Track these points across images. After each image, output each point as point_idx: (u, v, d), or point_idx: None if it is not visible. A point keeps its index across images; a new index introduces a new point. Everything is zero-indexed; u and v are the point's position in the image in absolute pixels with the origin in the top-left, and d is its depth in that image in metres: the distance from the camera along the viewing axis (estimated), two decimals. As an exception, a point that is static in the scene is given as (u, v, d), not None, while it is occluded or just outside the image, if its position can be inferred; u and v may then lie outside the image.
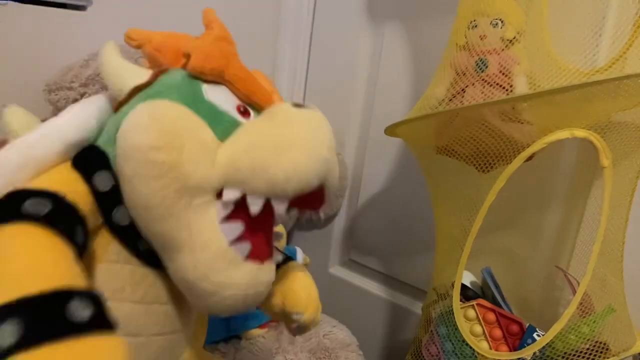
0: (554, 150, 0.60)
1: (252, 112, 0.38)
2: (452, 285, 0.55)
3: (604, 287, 0.53)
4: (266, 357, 0.62)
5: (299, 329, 0.46)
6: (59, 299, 0.24)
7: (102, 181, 0.33)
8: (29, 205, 0.28)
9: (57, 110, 0.55)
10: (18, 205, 0.28)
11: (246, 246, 0.34)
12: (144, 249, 0.35)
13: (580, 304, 0.50)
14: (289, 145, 0.32)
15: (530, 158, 0.50)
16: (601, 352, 0.50)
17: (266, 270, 0.36)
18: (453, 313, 0.54)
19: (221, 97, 0.37)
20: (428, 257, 0.80)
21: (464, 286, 0.59)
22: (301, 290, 0.44)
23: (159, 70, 0.37)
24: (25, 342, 0.22)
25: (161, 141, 0.31)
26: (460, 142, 0.54)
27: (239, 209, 0.33)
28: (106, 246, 0.35)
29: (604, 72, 0.52)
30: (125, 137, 0.32)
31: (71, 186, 0.32)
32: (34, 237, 0.27)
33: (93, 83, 0.56)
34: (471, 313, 0.55)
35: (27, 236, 0.27)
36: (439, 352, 0.56)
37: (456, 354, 0.54)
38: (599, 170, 0.56)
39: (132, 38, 0.40)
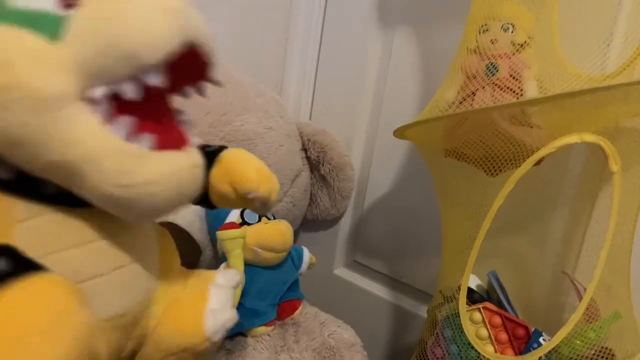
0: (563, 155, 0.60)
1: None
2: (459, 288, 0.55)
3: (610, 293, 0.53)
4: (271, 355, 0.62)
5: (263, 206, 0.44)
6: None
7: None
8: None
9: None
10: None
11: (147, 137, 0.32)
12: (53, 193, 0.32)
13: (587, 309, 0.50)
14: (130, 9, 0.29)
15: (539, 162, 0.50)
16: (606, 358, 0.50)
17: (186, 155, 0.34)
18: (459, 316, 0.54)
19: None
20: (433, 260, 0.80)
21: (470, 289, 0.59)
22: (247, 168, 0.43)
23: None
24: None
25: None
26: (469, 145, 0.54)
27: (119, 103, 0.31)
28: (9, 209, 0.32)
29: (614, 78, 0.52)
30: None
31: None
32: None
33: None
34: (477, 316, 0.55)
35: None
36: (444, 355, 0.56)
37: (461, 357, 0.54)
38: (606, 176, 0.56)
39: None
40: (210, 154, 0.44)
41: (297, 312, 0.71)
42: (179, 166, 0.32)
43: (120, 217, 0.34)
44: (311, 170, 0.90)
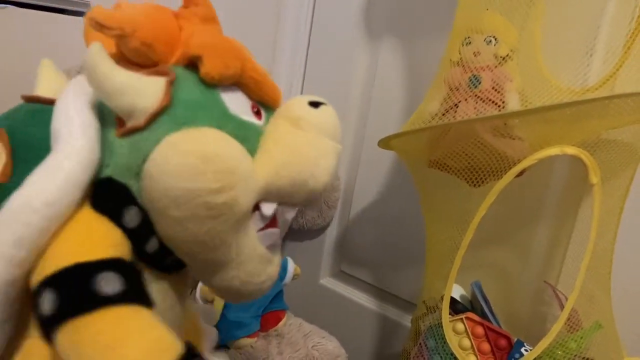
0: (544, 167, 0.61)
1: (262, 111, 0.36)
2: (442, 298, 0.55)
3: (591, 303, 0.54)
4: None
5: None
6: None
7: (131, 218, 0.31)
8: (104, 285, 0.27)
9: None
10: (90, 286, 0.26)
11: (277, 244, 0.37)
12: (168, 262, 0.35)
13: (568, 319, 0.50)
14: (321, 154, 0.34)
15: (521, 174, 0.50)
16: (588, 369, 0.50)
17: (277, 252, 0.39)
18: (442, 326, 0.54)
19: (239, 104, 0.34)
20: (418, 270, 0.80)
21: (453, 299, 0.60)
22: None
23: (170, 82, 0.32)
24: None
25: (219, 183, 0.29)
26: (452, 157, 0.55)
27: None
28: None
29: (594, 91, 0.53)
30: (172, 180, 0.29)
31: (112, 238, 0.30)
32: (131, 319, 0.27)
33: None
34: (460, 326, 0.55)
35: (124, 320, 0.27)
36: (427, 365, 0.56)
37: (444, 367, 0.54)
38: (588, 188, 0.57)
39: (108, 26, 0.30)
40: None
41: (281, 323, 0.71)
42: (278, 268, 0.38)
43: (222, 297, 0.40)
44: (297, 180, 0.89)
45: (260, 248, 0.34)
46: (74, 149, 0.30)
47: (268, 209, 0.34)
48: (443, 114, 0.54)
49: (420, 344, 0.58)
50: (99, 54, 0.29)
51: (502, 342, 0.54)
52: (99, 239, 0.29)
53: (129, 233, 0.31)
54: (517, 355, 0.52)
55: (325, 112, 0.36)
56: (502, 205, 0.51)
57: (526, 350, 0.52)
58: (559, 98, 0.47)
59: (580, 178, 0.60)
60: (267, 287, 0.36)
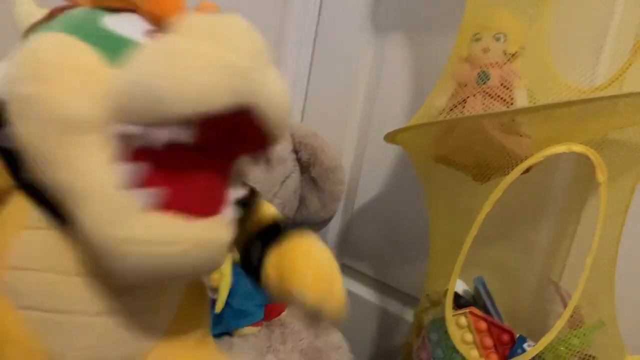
0: (551, 165, 0.61)
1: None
2: (445, 292, 0.56)
3: (594, 301, 0.54)
4: (257, 355, 0.62)
5: (310, 317, 0.36)
6: None
7: (7, 137, 0.29)
8: None
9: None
10: None
11: (152, 193, 0.28)
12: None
13: (571, 316, 0.50)
14: (183, 57, 0.26)
15: (527, 171, 0.51)
16: (589, 365, 0.51)
17: (202, 228, 0.29)
18: (445, 320, 0.54)
19: (124, 23, 0.31)
20: (421, 264, 0.81)
21: (456, 294, 0.60)
22: (304, 263, 0.36)
23: (60, 7, 0.33)
24: None
25: (26, 72, 0.28)
26: (458, 152, 0.55)
27: (143, 151, 0.28)
28: (24, 211, 0.31)
29: (602, 90, 0.53)
30: (9, 74, 0.29)
31: None
32: None
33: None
34: (463, 321, 0.56)
35: None
36: (429, 359, 0.57)
37: (446, 361, 0.54)
38: (593, 187, 0.57)
39: None
40: (274, 233, 0.38)
41: (285, 313, 0.71)
42: (183, 239, 0.28)
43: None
44: (301, 173, 0.90)
45: (109, 182, 0.27)
46: None
47: (117, 128, 0.28)
48: (451, 110, 0.54)
49: (423, 337, 0.59)
50: None
51: (505, 337, 0.54)
52: None
53: (6, 154, 0.30)
54: (519, 351, 0.52)
55: (217, 17, 0.28)
56: (506, 202, 0.51)
57: (529, 346, 0.52)
58: (567, 96, 0.47)
59: (585, 177, 0.60)
60: (145, 260, 0.28)
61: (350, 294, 0.91)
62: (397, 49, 0.82)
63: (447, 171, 0.58)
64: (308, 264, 0.36)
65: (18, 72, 0.28)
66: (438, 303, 0.58)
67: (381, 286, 0.91)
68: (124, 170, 0.27)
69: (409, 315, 0.83)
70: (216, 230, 0.30)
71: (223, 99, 0.26)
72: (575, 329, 0.52)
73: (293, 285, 0.35)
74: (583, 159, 0.50)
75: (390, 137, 0.62)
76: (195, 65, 0.26)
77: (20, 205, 0.31)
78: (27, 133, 0.28)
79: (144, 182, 0.28)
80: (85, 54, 0.28)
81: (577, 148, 0.48)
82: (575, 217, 0.61)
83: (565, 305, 0.54)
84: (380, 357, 0.90)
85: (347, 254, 0.97)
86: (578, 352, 0.51)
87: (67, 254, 0.31)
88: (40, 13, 0.34)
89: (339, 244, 0.97)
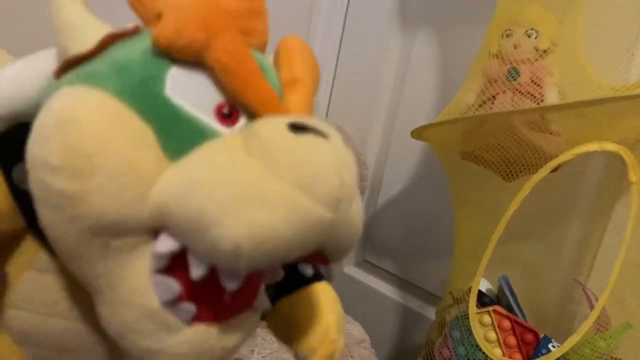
0: (580, 164, 0.60)
1: (242, 118, 0.26)
2: (469, 290, 0.55)
3: (622, 303, 0.53)
4: (281, 345, 0.62)
5: None
6: None
7: (24, 175, 0.24)
8: None
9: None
10: None
11: (188, 309, 0.24)
12: None
13: (598, 318, 0.50)
14: (252, 194, 0.21)
15: (556, 169, 0.50)
16: (615, 368, 0.50)
17: (223, 332, 0.26)
18: (468, 318, 0.54)
19: (192, 91, 0.25)
20: (443, 262, 0.80)
21: (480, 292, 0.60)
22: (311, 325, 0.34)
23: (114, 35, 0.26)
24: None
25: (63, 161, 0.21)
26: (486, 149, 0.55)
27: (178, 264, 0.23)
28: (34, 253, 0.29)
29: (636, 89, 0.52)
30: (31, 140, 0.23)
31: None
32: None
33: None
34: (486, 319, 0.55)
35: None
36: (451, 356, 0.56)
37: (469, 359, 0.54)
38: (624, 187, 0.56)
39: None
40: (287, 287, 0.36)
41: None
42: (207, 348, 0.25)
43: None
44: (325, 167, 0.90)
45: (150, 297, 0.23)
46: (4, 72, 0.27)
47: (163, 244, 0.23)
48: (480, 106, 0.53)
49: (445, 334, 0.59)
50: None
51: (529, 337, 0.54)
52: None
53: (21, 195, 0.26)
54: (544, 351, 0.52)
55: (307, 141, 0.22)
56: (534, 200, 0.51)
57: (554, 347, 0.52)
58: (599, 94, 0.46)
59: (615, 177, 0.59)
60: None
61: (372, 291, 0.92)
62: (424, 44, 0.82)
63: (475, 168, 0.58)
64: (317, 330, 0.34)
65: (47, 153, 0.22)
66: (461, 301, 0.58)
67: (403, 283, 0.91)
68: (161, 282, 0.24)
69: (430, 312, 0.83)
70: (235, 332, 0.27)
71: (301, 253, 0.22)
72: (601, 331, 0.51)
73: (299, 345, 0.34)
74: (613, 158, 0.49)
75: (417, 133, 0.61)
76: (270, 215, 0.21)
77: (30, 246, 0.29)
78: (47, 221, 0.23)
79: (179, 296, 0.24)
80: (138, 141, 0.22)
81: (610, 147, 0.47)
82: (605, 217, 0.60)
83: (591, 307, 0.53)
84: (401, 354, 0.90)
85: (369, 250, 0.97)
86: (604, 354, 0.50)
87: (72, 298, 0.29)
88: (91, 25, 0.26)
89: (361, 241, 0.97)
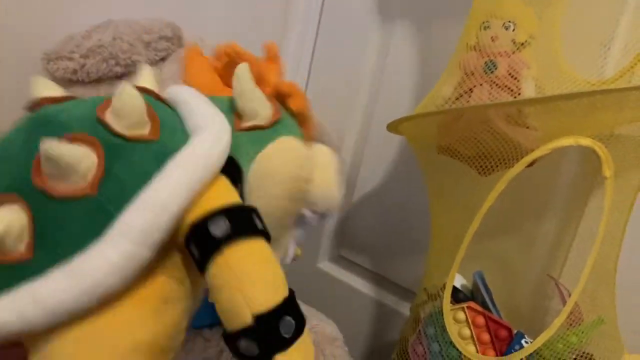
0: (556, 159, 0.60)
1: None
2: (443, 286, 0.55)
3: (594, 299, 0.53)
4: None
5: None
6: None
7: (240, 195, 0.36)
8: (258, 222, 0.33)
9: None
10: (253, 220, 0.33)
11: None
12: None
13: (570, 314, 0.50)
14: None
15: (531, 164, 0.50)
16: (587, 363, 0.50)
17: None
18: (442, 314, 0.54)
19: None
20: (419, 258, 0.80)
21: (454, 288, 0.59)
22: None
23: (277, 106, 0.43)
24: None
25: (309, 175, 0.42)
26: (463, 143, 0.54)
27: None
28: (161, 284, 0.34)
29: (611, 84, 0.52)
30: (280, 166, 0.39)
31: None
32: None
33: (94, 55, 0.55)
34: (460, 315, 0.55)
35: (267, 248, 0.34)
36: (425, 352, 0.56)
37: (443, 356, 0.54)
38: (598, 182, 0.56)
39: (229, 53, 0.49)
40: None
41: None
42: None
43: None
44: (301, 161, 0.89)
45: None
46: (223, 126, 0.36)
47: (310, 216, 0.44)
48: (456, 99, 0.53)
49: (419, 331, 0.58)
50: (247, 72, 0.40)
51: (503, 333, 0.53)
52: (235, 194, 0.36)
53: None
54: (517, 347, 0.51)
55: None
56: (509, 196, 0.50)
57: (527, 342, 0.51)
58: (575, 88, 0.46)
59: (589, 172, 0.59)
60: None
61: (347, 286, 0.91)
62: (403, 36, 0.81)
63: (450, 163, 0.57)
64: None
65: (302, 172, 0.43)
66: (436, 297, 0.57)
67: (378, 279, 0.91)
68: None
69: (405, 308, 0.82)
70: None
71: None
72: (574, 327, 0.51)
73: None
74: (588, 154, 0.49)
75: (394, 127, 0.60)
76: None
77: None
78: (278, 205, 0.42)
79: None
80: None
81: (584, 141, 0.47)
82: (579, 212, 0.60)
83: (564, 302, 0.53)
84: (376, 351, 0.90)
85: (344, 245, 0.96)
86: (576, 349, 0.50)
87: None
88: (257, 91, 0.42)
89: (336, 235, 0.96)
